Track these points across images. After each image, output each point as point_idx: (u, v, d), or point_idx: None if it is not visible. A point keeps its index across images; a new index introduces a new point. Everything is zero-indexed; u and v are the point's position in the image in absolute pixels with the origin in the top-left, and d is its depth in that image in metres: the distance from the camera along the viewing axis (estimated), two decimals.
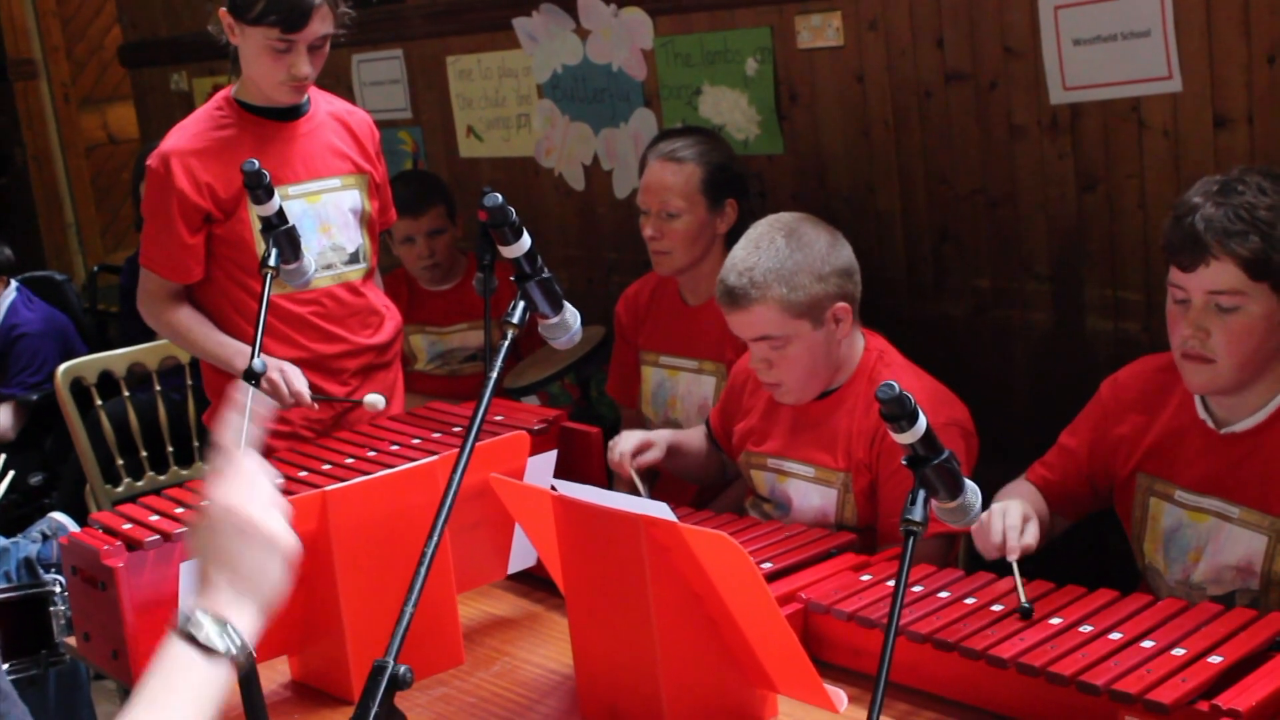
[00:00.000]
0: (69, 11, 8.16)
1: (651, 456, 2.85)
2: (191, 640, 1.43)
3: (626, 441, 2.84)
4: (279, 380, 3.01)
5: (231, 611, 1.46)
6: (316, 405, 3.11)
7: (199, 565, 1.50)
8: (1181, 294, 2.30)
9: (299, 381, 3.04)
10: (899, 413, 1.83)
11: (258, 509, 1.51)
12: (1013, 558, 2.26)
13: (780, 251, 2.73)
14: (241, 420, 1.64)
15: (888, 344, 2.88)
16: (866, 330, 2.86)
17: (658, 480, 2.95)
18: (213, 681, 1.43)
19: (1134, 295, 3.17)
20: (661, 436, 2.93)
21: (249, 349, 2.91)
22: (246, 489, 1.53)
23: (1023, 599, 2.19)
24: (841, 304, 2.75)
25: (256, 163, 2.53)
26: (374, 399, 2.97)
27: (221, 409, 3.24)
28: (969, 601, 2.24)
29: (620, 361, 3.66)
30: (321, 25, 3.03)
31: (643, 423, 3.59)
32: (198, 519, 1.52)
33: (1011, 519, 2.33)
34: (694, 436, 3.11)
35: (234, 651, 1.44)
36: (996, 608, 2.20)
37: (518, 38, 4.37)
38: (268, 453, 3.06)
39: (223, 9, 3.06)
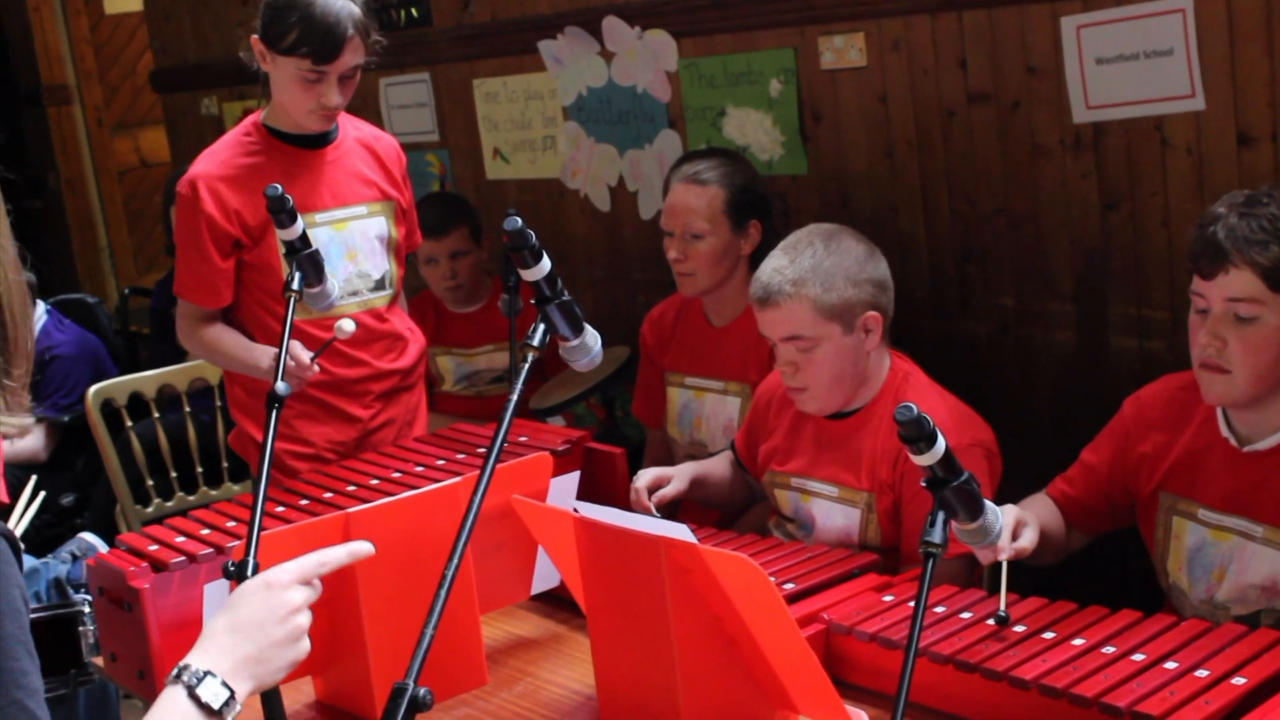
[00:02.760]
0: (102, 38, 8.24)
1: (672, 489, 2.84)
2: (197, 700, 1.55)
3: (641, 479, 2.82)
4: (291, 366, 2.94)
5: (239, 685, 1.59)
6: (318, 367, 3.02)
7: (229, 624, 1.63)
8: (1202, 302, 2.31)
9: (304, 355, 2.97)
10: (917, 435, 1.84)
11: (306, 623, 1.67)
12: (1003, 556, 2.25)
13: (818, 253, 2.75)
14: (349, 557, 1.79)
15: (914, 366, 2.88)
16: (893, 351, 2.87)
17: (678, 510, 2.95)
18: None
19: (1159, 314, 3.17)
20: (683, 470, 2.92)
21: (274, 350, 2.93)
22: (309, 603, 1.68)
23: (1001, 607, 2.21)
24: (873, 313, 2.75)
25: (280, 187, 2.55)
26: (342, 324, 2.84)
27: (247, 430, 3.27)
28: (991, 622, 2.23)
29: (646, 382, 3.67)
30: (353, 56, 3.05)
31: (669, 444, 3.59)
32: (260, 591, 1.65)
33: (1004, 520, 2.32)
34: (718, 465, 3.10)
35: (229, 719, 1.57)
36: (1019, 629, 2.20)
37: (543, 60, 4.39)
38: (292, 474, 3.08)
39: (254, 37, 3.08)
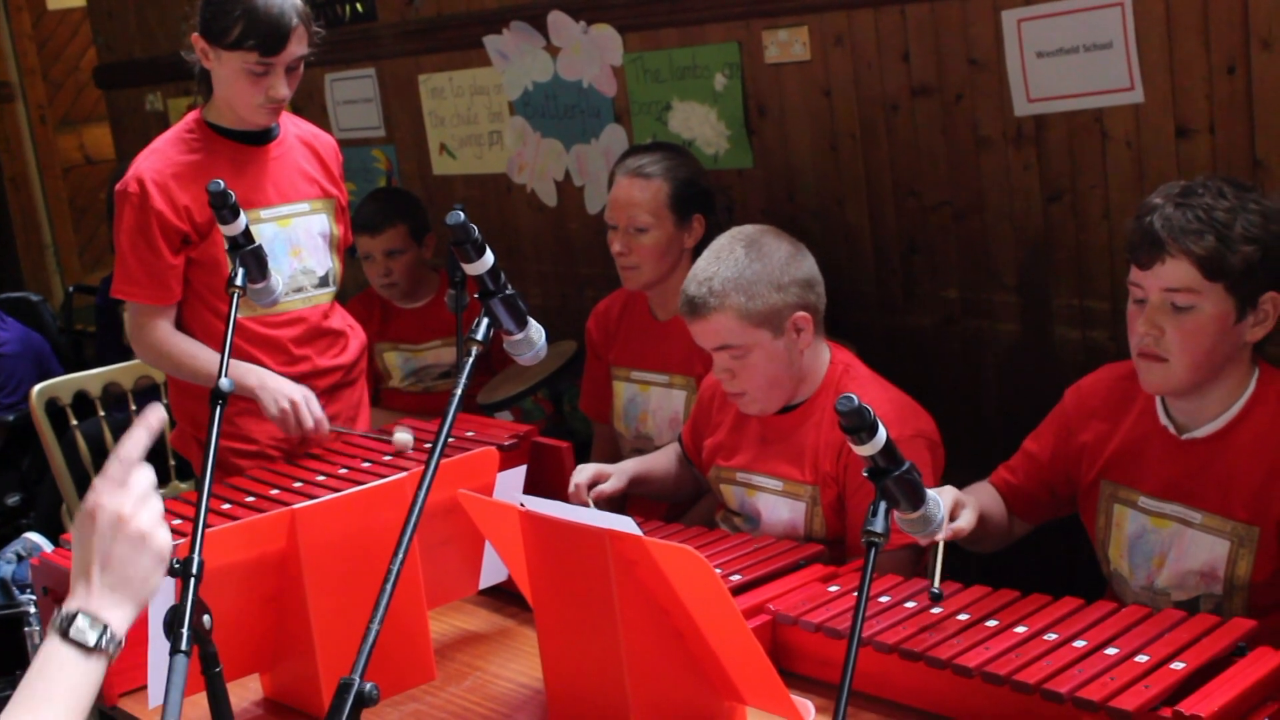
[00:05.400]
0: (45, 34, 8.17)
1: (610, 486, 2.85)
2: (71, 641, 1.54)
3: (581, 475, 2.82)
4: (302, 404, 3.02)
5: (111, 613, 1.57)
6: (331, 434, 3.11)
7: (79, 564, 1.60)
8: (1139, 292, 2.34)
9: (319, 409, 3.05)
10: (858, 425, 1.86)
11: (148, 520, 1.62)
12: (940, 537, 2.25)
13: (740, 261, 2.75)
14: (145, 436, 1.68)
15: (854, 357, 2.90)
16: (833, 343, 2.88)
17: (625, 506, 2.96)
18: (89, 677, 1.54)
19: (1100, 304, 3.20)
20: (624, 468, 2.93)
21: (253, 367, 2.95)
22: (139, 500, 1.62)
23: (935, 583, 2.21)
24: (802, 314, 2.76)
25: (221, 182, 2.54)
26: (404, 438, 2.91)
27: (187, 429, 3.26)
28: (935, 611, 2.25)
29: (592, 377, 3.67)
30: (298, 46, 3.04)
31: (615, 438, 3.60)
32: (87, 521, 1.61)
33: (943, 500, 2.33)
34: (660, 460, 3.11)
35: (111, 651, 1.56)
36: (963, 617, 2.22)
37: (489, 55, 4.39)
38: (235, 472, 3.07)
39: (195, 34, 3.05)
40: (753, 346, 2.73)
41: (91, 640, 1.55)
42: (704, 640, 2.08)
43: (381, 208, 4.20)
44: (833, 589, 2.40)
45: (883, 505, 1.90)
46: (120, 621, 1.58)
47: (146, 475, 1.65)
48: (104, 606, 1.57)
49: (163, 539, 1.63)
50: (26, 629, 2.84)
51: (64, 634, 1.55)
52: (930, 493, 2.04)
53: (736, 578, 2.45)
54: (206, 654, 1.95)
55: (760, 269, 2.74)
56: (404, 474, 2.50)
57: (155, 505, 1.64)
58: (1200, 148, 2.95)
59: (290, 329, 3.20)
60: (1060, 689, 1.96)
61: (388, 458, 2.91)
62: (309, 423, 3.03)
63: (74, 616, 1.55)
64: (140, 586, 1.61)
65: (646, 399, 3.47)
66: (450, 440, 2.03)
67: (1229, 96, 2.89)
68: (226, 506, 2.74)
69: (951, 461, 2.78)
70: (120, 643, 1.57)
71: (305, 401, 3.04)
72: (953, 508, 2.32)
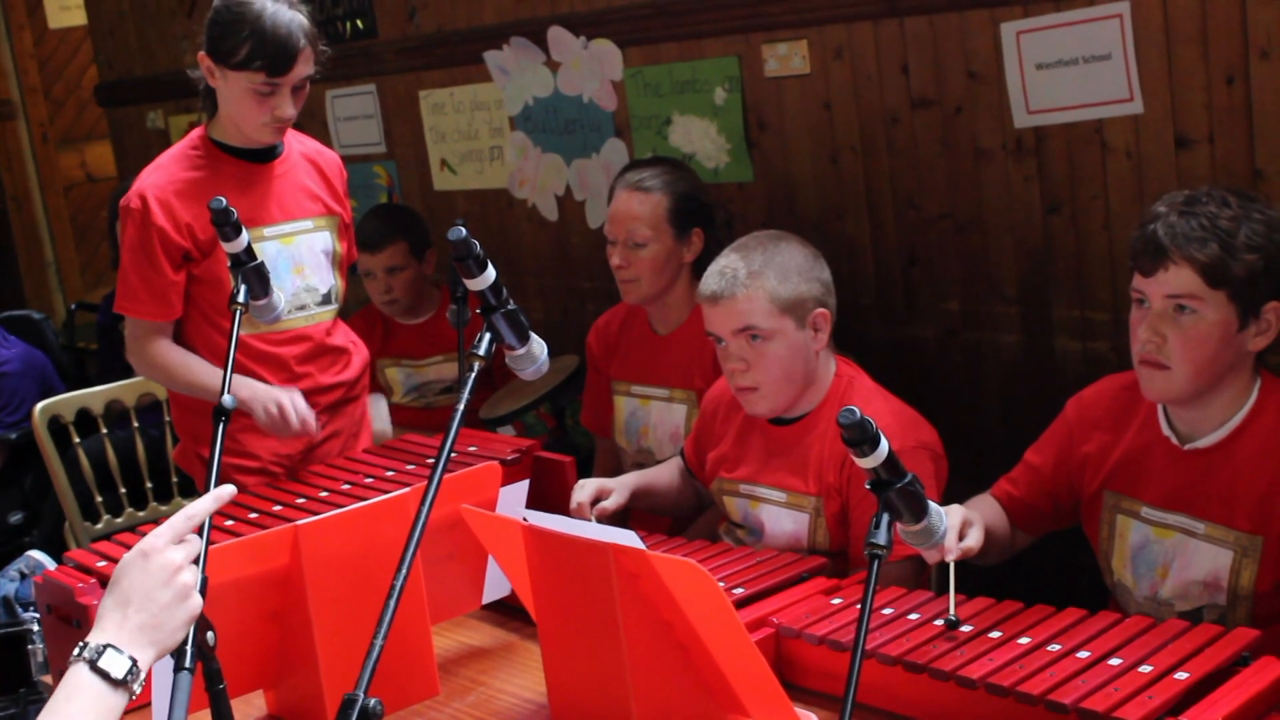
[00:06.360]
0: (46, 52, 8.19)
1: (612, 503, 2.84)
2: (99, 671, 1.58)
3: (583, 491, 2.81)
4: (289, 406, 3.02)
5: (139, 652, 1.62)
6: (319, 434, 3.11)
7: (117, 597, 1.65)
8: (1142, 299, 2.34)
9: (307, 411, 3.05)
10: (860, 438, 1.86)
11: (192, 579, 1.70)
12: (950, 558, 2.26)
13: (768, 249, 2.78)
14: (213, 504, 1.79)
15: (859, 370, 2.90)
16: (838, 356, 2.88)
17: (628, 520, 2.96)
18: (113, 711, 1.58)
19: (1101, 315, 3.20)
20: (625, 482, 2.92)
21: (243, 379, 2.95)
22: (189, 558, 1.70)
23: (950, 610, 2.22)
24: (822, 310, 2.78)
25: (224, 200, 2.54)
26: (382, 430, 2.92)
27: (190, 446, 3.26)
28: (939, 623, 2.24)
29: (593, 392, 3.68)
30: (305, 67, 3.04)
31: (616, 452, 3.60)
32: (138, 560, 1.67)
33: (951, 520, 2.33)
34: (663, 473, 3.11)
35: (136, 688, 1.59)
36: (966, 628, 2.22)
37: (489, 71, 4.40)
38: (238, 488, 3.06)
39: (202, 53, 3.06)
40: (775, 333, 2.74)
41: (119, 673, 1.58)
42: (707, 654, 2.07)
43: (382, 224, 4.21)
44: (836, 601, 2.40)
45: (885, 517, 1.90)
46: (144, 662, 1.62)
47: (198, 543, 1.74)
48: (134, 645, 1.62)
49: (197, 602, 1.70)
50: (29, 647, 2.83)
51: (92, 664, 1.58)
52: (933, 505, 2.04)
53: (740, 591, 2.45)
54: (210, 670, 1.95)
55: (789, 258, 2.78)
56: (407, 489, 2.50)
57: (197, 571, 1.71)
58: (1200, 158, 2.95)
59: (293, 346, 3.20)
60: (1064, 700, 1.96)
61: (390, 473, 2.92)
62: (294, 421, 3.02)
63: (105, 649, 1.59)
64: (167, 637, 1.66)
65: (647, 413, 3.47)
66: (453, 455, 2.03)
67: (1228, 107, 2.90)
68: (230, 523, 2.74)
69: (953, 473, 2.79)
70: (142, 683, 1.61)
71: (292, 403, 3.04)
72: (960, 527, 2.32)
